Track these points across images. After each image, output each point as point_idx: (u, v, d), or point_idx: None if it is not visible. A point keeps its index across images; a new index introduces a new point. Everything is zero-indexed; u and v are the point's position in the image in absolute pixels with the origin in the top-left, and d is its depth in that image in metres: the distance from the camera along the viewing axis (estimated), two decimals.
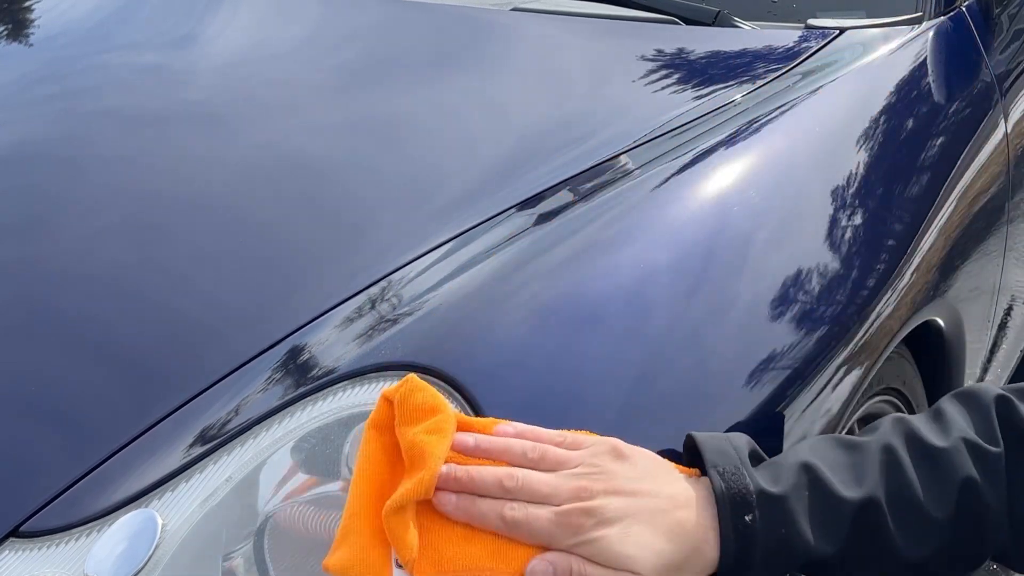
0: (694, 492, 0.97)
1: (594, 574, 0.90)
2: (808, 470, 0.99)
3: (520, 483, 0.93)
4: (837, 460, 1.01)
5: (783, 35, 1.85)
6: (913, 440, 1.03)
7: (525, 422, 1.03)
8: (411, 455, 0.94)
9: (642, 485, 0.95)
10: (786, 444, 1.26)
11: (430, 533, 0.93)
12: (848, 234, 1.47)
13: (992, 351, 2.12)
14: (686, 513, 0.95)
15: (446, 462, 0.94)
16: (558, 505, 0.92)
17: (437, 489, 0.93)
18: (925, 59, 1.86)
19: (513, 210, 1.41)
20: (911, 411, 1.68)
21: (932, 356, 1.75)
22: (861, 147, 1.62)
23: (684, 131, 1.56)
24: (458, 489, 0.93)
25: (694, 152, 1.49)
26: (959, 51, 1.98)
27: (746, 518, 0.95)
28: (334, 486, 1.13)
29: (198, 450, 1.14)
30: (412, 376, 1.00)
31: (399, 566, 0.93)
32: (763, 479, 0.98)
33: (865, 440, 1.03)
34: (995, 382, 2.24)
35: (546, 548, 0.92)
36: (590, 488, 0.93)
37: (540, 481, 0.93)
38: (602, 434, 1.03)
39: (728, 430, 1.21)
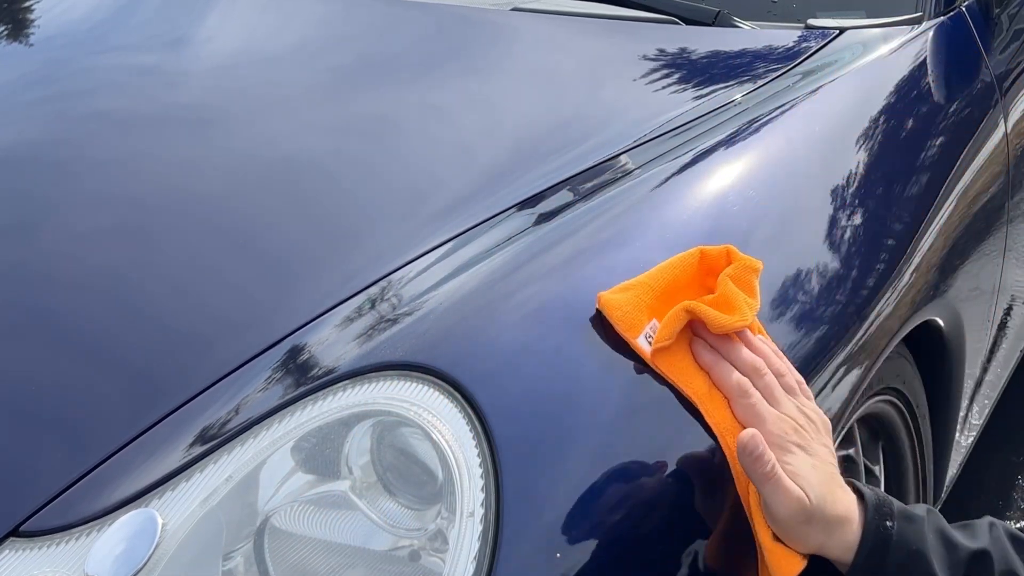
0: (854, 495, 1.15)
1: (780, 471, 1.07)
2: (933, 520, 1.16)
3: (766, 382, 1.14)
4: (954, 528, 1.18)
5: (783, 35, 1.85)
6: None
7: (524, 419, 1.14)
8: (729, 298, 1.15)
9: (834, 462, 1.15)
10: None
11: (680, 346, 1.15)
12: (848, 234, 1.47)
13: (992, 351, 2.11)
14: (846, 498, 1.13)
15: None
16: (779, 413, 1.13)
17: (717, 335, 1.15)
18: (925, 59, 1.86)
19: (513, 210, 1.41)
20: (911, 411, 1.69)
21: (932, 356, 1.75)
22: (861, 147, 1.62)
23: (684, 131, 1.56)
24: (729, 347, 1.15)
25: (694, 152, 1.49)
26: (959, 51, 1.98)
27: (887, 523, 1.12)
28: (334, 486, 1.13)
29: (198, 450, 1.14)
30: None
31: (647, 340, 1.14)
32: (901, 505, 1.16)
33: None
34: (995, 382, 2.24)
35: (739, 426, 1.11)
36: (806, 426, 1.13)
37: (779, 390, 1.14)
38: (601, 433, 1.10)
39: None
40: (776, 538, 1.10)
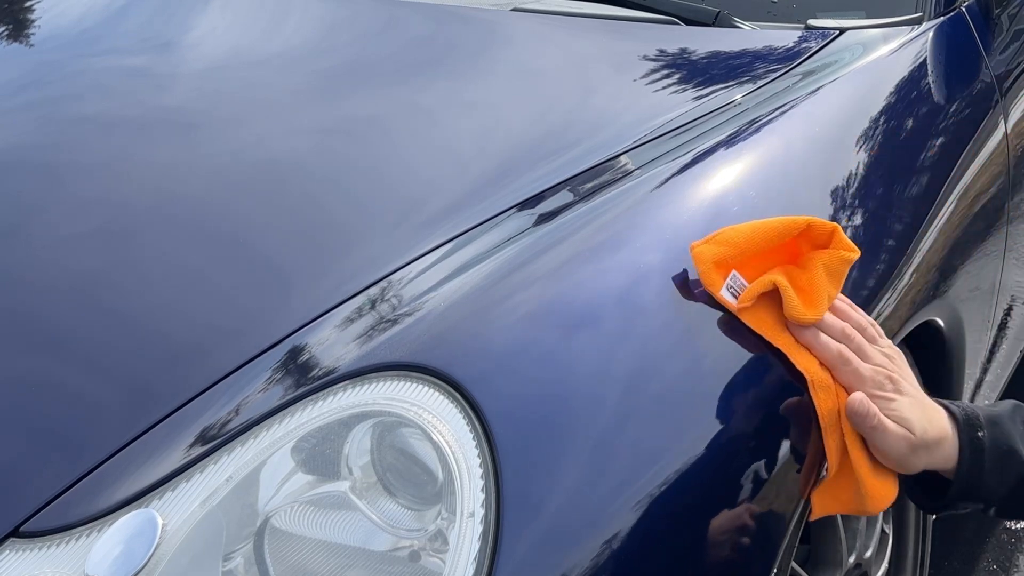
0: (944, 412, 1.31)
1: (886, 420, 1.23)
2: (1018, 415, 1.32)
3: (857, 343, 1.27)
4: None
5: (783, 35, 1.85)
6: None
7: (524, 420, 1.14)
8: (814, 286, 1.24)
9: (918, 387, 1.30)
10: (784, 446, 1.26)
11: (766, 305, 1.24)
12: (848, 234, 1.47)
13: (992, 351, 2.11)
14: (939, 417, 1.29)
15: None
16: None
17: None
18: (925, 59, 1.86)
19: (513, 211, 1.41)
20: None
21: (932, 356, 1.75)
22: (861, 147, 1.62)
23: (684, 131, 1.56)
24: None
25: (694, 152, 1.49)
26: (959, 51, 1.98)
27: (978, 434, 1.29)
28: (334, 486, 1.13)
29: (198, 450, 1.15)
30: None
31: (731, 294, 1.22)
32: (983, 411, 1.32)
33: None
34: (995, 383, 2.24)
35: (826, 374, 1.24)
36: (894, 369, 1.28)
37: (868, 347, 1.28)
38: (600, 433, 1.12)
39: (724, 431, 1.21)
40: (873, 472, 1.26)
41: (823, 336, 1.25)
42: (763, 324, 1.24)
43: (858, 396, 1.23)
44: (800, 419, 1.26)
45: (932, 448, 1.27)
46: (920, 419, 1.26)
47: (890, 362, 1.29)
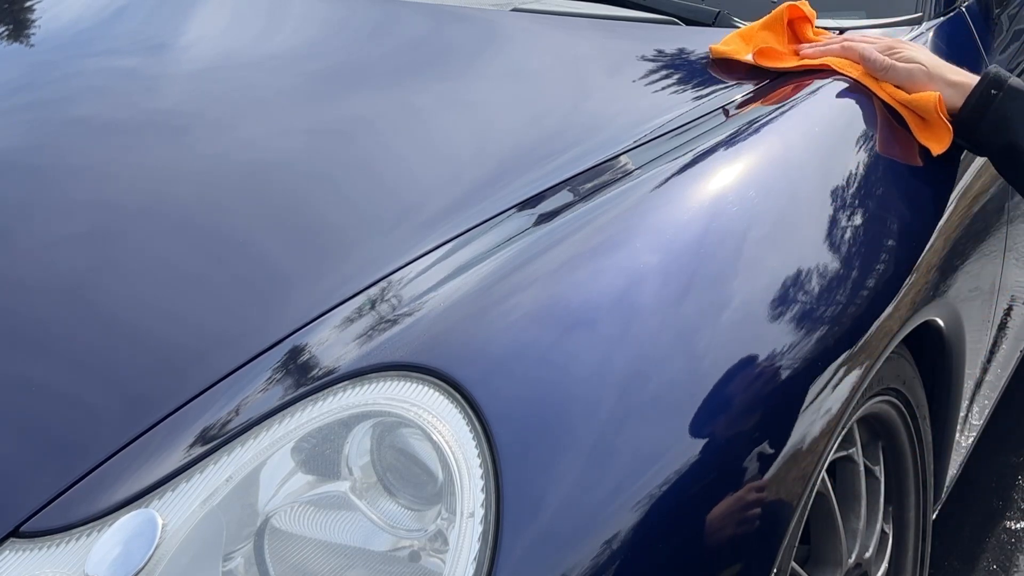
0: (974, 77, 1.62)
1: (895, 62, 1.62)
2: None
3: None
4: None
5: None
6: None
7: (523, 419, 1.15)
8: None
9: (932, 55, 1.67)
10: (785, 445, 1.26)
11: (775, 54, 1.70)
12: (848, 234, 1.47)
13: (992, 351, 2.11)
14: (963, 74, 1.62)
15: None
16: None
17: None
18: None
19: (513, 211, 1.41)
20: (911, 411, 1.68)
21: (932, 356, 1.75)
22: (861, 147, 1.62)
23: (684, 131, 1.56)
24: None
25: (694, 152, 1.49)
26: (959, 51, 1.98)
27: (992, 91, 1.58)
28: (334, 486, 1.13)
29: (198, 450, 1.15)
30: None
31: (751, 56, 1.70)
32: (1016, 82, 1.59)
33: None
34: (995, 383, 2.24)
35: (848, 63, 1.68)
36: (895, 41, 1.67)
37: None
38: (599, 432, 1.13)
39: (723, 432, 1.21)
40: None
41: (823, 46, 1.63)
42: (777, 59, 1.63)
43: (862, 49, 1.57)
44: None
45: (951, 84, 1.59)
46: (930, 57, 1.59)
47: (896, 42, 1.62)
